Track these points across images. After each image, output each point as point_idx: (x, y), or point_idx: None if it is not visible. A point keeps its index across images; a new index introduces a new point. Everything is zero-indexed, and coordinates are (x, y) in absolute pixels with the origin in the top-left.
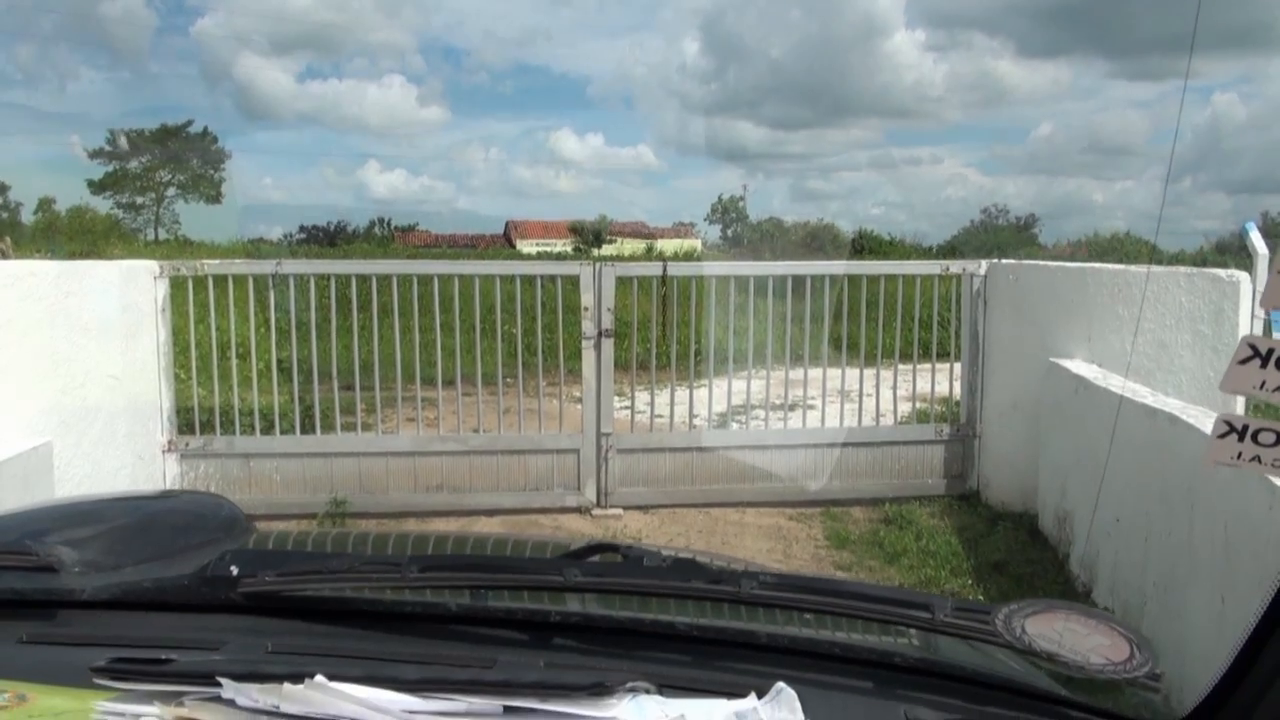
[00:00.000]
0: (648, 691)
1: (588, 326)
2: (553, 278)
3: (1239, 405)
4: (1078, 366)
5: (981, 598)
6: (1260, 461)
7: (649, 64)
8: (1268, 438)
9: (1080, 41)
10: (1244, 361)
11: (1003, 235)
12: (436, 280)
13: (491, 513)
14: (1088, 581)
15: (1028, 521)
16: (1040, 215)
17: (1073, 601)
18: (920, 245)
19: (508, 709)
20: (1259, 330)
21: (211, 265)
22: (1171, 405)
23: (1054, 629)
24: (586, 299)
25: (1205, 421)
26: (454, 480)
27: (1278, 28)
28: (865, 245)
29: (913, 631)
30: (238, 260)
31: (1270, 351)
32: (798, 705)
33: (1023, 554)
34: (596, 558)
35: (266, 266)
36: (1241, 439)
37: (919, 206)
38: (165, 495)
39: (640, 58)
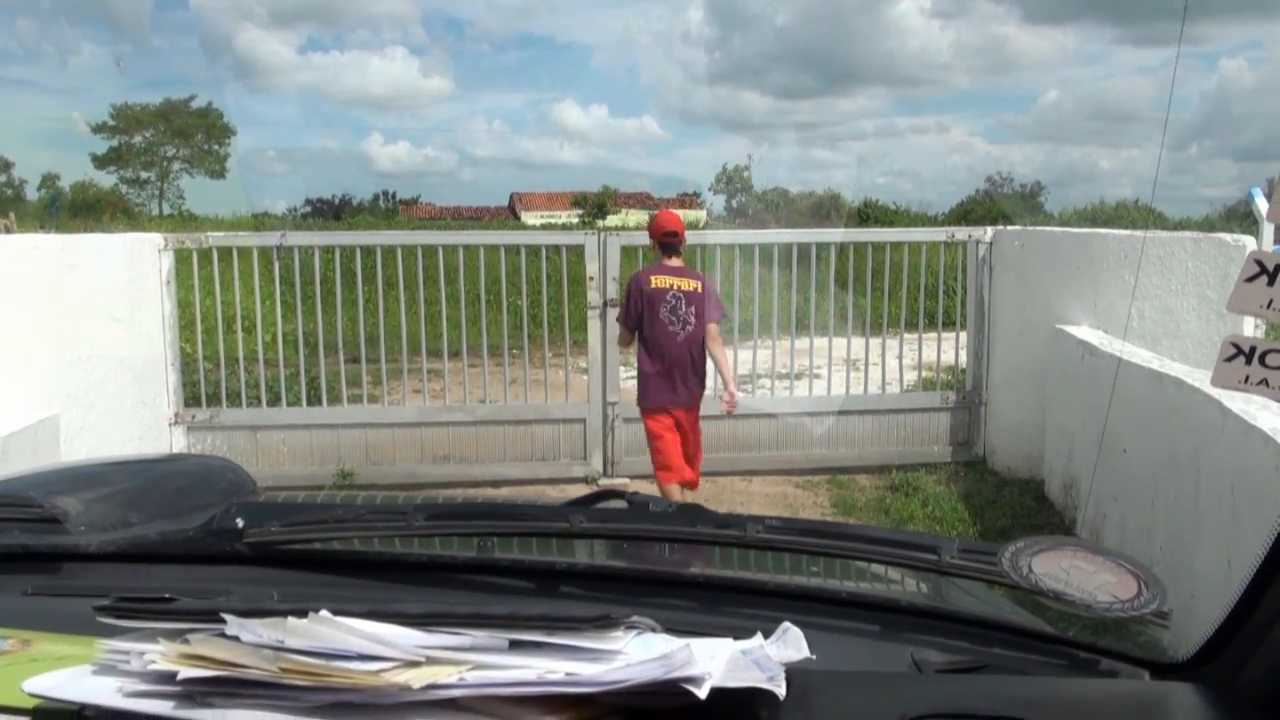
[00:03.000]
0: (653, 629)
1: (593, 296)
2: (557, 248)
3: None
4: (1083, 333)
5: None
6: (1268, 385)
7: (653, 33)
8: (1276, 360)
9: (1087, 7)
10: (1250, 279)
11: (1008, 203)
12: (441, 251)
13: (498, 483)
14: None
15: (1034, 487)
16: (1046, 183)
17: (1080, 538)
18: (926, 214)
19: (513, 643)
20: None
21: (216, 238)
22: (1177, 370)
23: (1060, 567)
24: (591, 269)
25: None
26: (460, 451)
27: None
28: (871, 214)
29: (919, 574)
30: (242, 233)
31: (1278, 268)
32: (803, 643)
33: (1029, 519)
34: (602, 504)
35: (271, 239)
36: (1249, 361)
37: (925, 175)
38: (173, 458)
39: (644, 27)
